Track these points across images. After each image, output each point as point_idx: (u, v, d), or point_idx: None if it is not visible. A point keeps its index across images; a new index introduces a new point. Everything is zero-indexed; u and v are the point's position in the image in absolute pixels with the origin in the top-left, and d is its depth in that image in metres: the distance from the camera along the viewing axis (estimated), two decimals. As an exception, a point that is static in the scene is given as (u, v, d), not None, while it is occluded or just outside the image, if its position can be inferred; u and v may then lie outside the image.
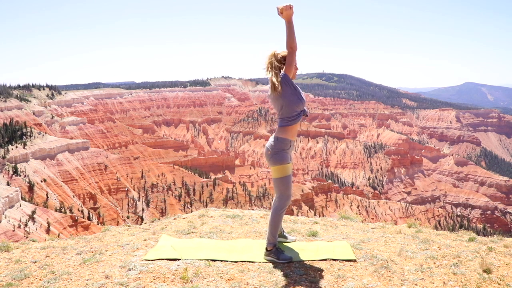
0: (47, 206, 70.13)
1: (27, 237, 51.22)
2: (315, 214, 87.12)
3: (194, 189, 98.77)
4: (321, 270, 3.72)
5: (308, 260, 3.96)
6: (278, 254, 3.96)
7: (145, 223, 6.36)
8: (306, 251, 4.20)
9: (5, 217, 56.74)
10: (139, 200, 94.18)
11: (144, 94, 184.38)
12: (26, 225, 58.63)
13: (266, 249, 4.02)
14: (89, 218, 74.01)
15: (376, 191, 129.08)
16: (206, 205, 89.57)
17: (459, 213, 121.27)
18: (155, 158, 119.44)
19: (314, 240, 4.68)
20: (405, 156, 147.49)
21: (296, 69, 4.03)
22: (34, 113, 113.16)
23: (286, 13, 3.79)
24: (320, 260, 3.96)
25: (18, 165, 76.78)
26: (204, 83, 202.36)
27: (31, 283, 3.62)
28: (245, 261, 3.97)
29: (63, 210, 71.75)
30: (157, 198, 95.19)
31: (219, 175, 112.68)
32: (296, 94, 3.89)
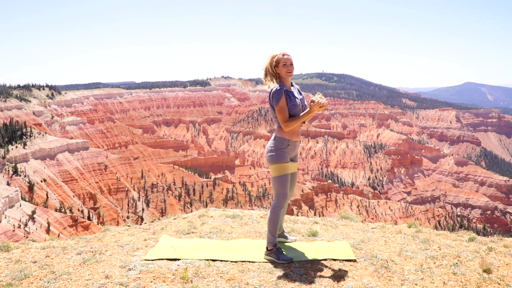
0: (47, 206, 70.11)
1: (27, 237, 51.21)
2: (315, 214, 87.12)
3: (194, 189, 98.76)
4: (321, 270, 3.72)
5: (308, 260, 3.96)
6: (279, 254, 3.97)
7: (145, 223, 6.36)
8: (306, 251, 4.20)
9: (5, 217, 56.72)
10: (139, 200, 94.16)
11: (144, 94, 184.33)
12: (26, 225, 58.61)
13: (267, 248, 4.04)
14: (89, 218, 73.99)
15: (376, 191, 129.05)
16: (206, 205, 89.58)
17: (459, 213, 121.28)
18: (155, 158, 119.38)
19: (314, 240, 4.68)
20: (405, 156, 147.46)
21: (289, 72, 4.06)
22: (34, 113, 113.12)
23: (319, 110, 3.84)
24: (320, 260, 3.96)
25: (18, 165, 76.76)
26: (204, 83, 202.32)
27: (31, 283, 3.63)
28: (245, 261, 3.98)
29: (63, 210, 71.71)
30: (157, 198, 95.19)
31: (219, 175, 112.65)
32: (289, 103, 3.92)
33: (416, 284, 3.38)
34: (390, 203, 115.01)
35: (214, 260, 3.98)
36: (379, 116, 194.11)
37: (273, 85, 4.01)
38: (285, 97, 3.92)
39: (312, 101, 3.78)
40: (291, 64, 4.00)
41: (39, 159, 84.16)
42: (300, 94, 4.13)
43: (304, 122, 4.03)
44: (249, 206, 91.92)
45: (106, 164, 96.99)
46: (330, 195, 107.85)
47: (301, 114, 3.92)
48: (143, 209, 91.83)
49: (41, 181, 78.51)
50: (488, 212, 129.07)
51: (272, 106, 3.95)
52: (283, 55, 4.00)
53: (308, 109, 3.86)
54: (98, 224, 71.85)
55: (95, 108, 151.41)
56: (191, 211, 9.32)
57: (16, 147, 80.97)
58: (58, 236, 44.61)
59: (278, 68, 4.01)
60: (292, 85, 4.14)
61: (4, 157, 75.80)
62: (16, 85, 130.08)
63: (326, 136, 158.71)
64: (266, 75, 4.07)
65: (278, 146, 4.00)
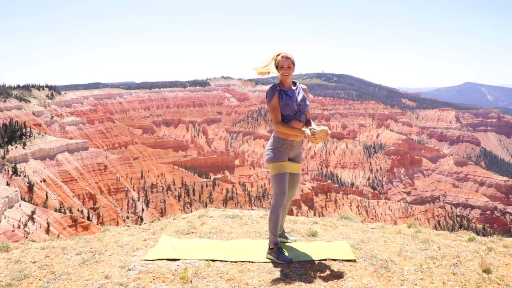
0: (47, 206, 70.08)
1: (26, 237, 51.15)
2: (314, 214, 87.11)
3: (193, 189, 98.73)
4: (321, 270, 3.73)
5: (308, 260, 3.97)
6: (279, 254, 3.99)
7: (145, 223, 6.36)
8: (306, 251, 4.20)
9: (5, 217, 56.69)
10: (138, 200, 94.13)
11: (144, 94, 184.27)
12: (25, 225, 58.58)
13: (269, 247, 4.09)
14: (88, 218, 73.96)
15: (375, 191, 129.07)
16: (206, 205, 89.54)
17: (458, 213, 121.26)
18: (155, 158, 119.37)
19: (314, 240, 4.69)
20: (404, 156, 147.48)
21: (285, 74, 4.03)
22: (33, 113, 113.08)
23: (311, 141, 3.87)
24: (320, 260, 3.97)
25: (18, 165, 76.72)
26: (203, 83, 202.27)
27: (31, 283, 3.62)
28: (244, 261, 3.98)
29: (62, 210, 71.69)
30: (157, 198, 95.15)
31: (219, 175, 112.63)
32: (280, 102, 3.97)
33: (415, 284, 3.38)
34: (390, 203, 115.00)
35: (213, 260, 3.99)
36: (379, 116, 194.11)
37: (265, 68, 4.04)
38: (278, 96, 3.96)
39: (310, 129, 3.84)
40: (288, 67, 3.99)
41: (39, 159, 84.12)
42: (300, 94, 4.10)
43: (299, 121, 4.04)
44: (249, 206, 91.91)
45: (105, 164, 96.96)
46: (329, 195, 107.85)
47: (294, 127, 3.94)
48: (142, 209, 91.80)
49: (41, 181, 78.46)
50: (488, 212, 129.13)
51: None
52: (282, 57, 4.00)
53: (303, 129, 3.87)
54: (97, 224, 71.79)
55: (95, 108, 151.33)
56: (191, 211, 9.32)
57: (16, 147, 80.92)
58: (58, 236, 44.59)
59: (278, 69, 4.03)
60: (294, 85, 4.15)
61: (3, 157, 75.75)
62: (15, 85, 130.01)
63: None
64: (265, 65, 4.07)
65: (274, 145, 4.06)
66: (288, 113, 3.98)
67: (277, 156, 4.02)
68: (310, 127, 3.89)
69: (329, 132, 3.79)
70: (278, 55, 4.02)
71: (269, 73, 4.06)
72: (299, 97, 4.06)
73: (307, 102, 4.12)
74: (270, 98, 3.96)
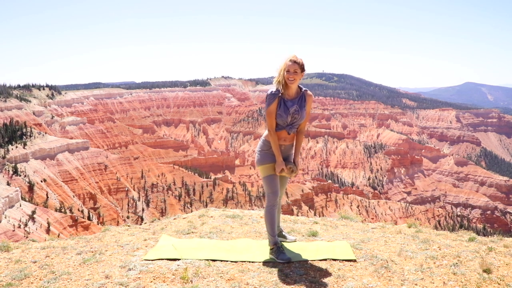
0: (47, 206, 70.10)
1: (27, 237, 51.17)
2: (315, 214, 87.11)
3: (194, 189, 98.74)
4: (321, 270, 3.73)
5: (308, 260, 3.97)
6: (278, 253, 4.01)
7: (145, 223, 6.37)
8: (306, 251, 4.21)
9: (5, 217, 56.72)
10: (139, 200, 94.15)
11: (144, 94, 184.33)
12: (26, 225, 58.62)
13: (270, 247, 4.13)
14: (89, 218, 73.99)
15: (376, 191, 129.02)
16: (206, 205, 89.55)
17: (459, 213, 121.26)
18: (155, 158, 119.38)
19: (314, 240, 4.69)
20: (405, 156, 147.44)
21: (291, 79, 3.92)
22: (34, 113, 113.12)
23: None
24: (320, 260, 3.97)
25: (18, 165, 76.76)
26: (204, 83, 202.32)
27: (31, 283, 3.63)
28: (245, 261, 3.99)
29: (63, 210, 71.71)
30: (157, 198, 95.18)
31: (219, 175, 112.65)
32: (278, 111, 3.92)
33: (416, 284, 3.38)
34: (390, 203, 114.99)
35: (214, 260, 3.99)
36: (379, 116, 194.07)
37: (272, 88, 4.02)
38: (277, 103, 3.91)
39: (285, 167, 3.99)
40: (294, 72, 3.86)
41: (39, 159, 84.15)
42: (300, 103, 3.99)
43: (289, 133, 4.00)
44: (249, 206, 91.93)
45: (106, 164, 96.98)
46: (330, 195, 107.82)
47: (276, 148, 3.95)
48: (143, 209, 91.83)
49: (41, 181, 78.50)
50: (488, 212, 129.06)
51: None
52: (290, 61, 3.89)
53: (279, 161, 3.96)
54: (98, 224, 71.84)
55: (95, 108, 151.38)
56: (191, 211, 9.33)
57: (16, 147, 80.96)
58: (58, 236, 44.60)
59: (286, 73, 3.92)
60: (300, 90, 4.03)
61: (4, 157, 75.78)
62: (16, 85, 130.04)
63: (326, 136, 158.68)
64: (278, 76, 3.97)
65: (262, 148, 4.09)
66: (279, 123, 3.96)
67: (265, 158, 4.05)
68: (288, 165, 4.00)
69: (293, 173, 4.04)
70: (289, 58, 3.91)
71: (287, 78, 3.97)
72: (299, 108, 3.96)
73: (304, 115, 3.99)
74: (269, 104, 3.91)
